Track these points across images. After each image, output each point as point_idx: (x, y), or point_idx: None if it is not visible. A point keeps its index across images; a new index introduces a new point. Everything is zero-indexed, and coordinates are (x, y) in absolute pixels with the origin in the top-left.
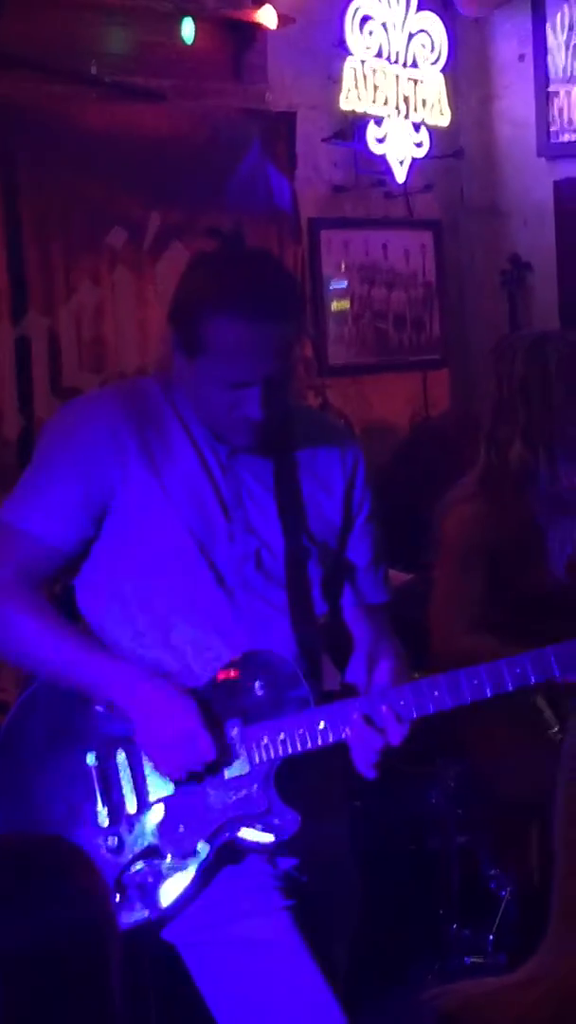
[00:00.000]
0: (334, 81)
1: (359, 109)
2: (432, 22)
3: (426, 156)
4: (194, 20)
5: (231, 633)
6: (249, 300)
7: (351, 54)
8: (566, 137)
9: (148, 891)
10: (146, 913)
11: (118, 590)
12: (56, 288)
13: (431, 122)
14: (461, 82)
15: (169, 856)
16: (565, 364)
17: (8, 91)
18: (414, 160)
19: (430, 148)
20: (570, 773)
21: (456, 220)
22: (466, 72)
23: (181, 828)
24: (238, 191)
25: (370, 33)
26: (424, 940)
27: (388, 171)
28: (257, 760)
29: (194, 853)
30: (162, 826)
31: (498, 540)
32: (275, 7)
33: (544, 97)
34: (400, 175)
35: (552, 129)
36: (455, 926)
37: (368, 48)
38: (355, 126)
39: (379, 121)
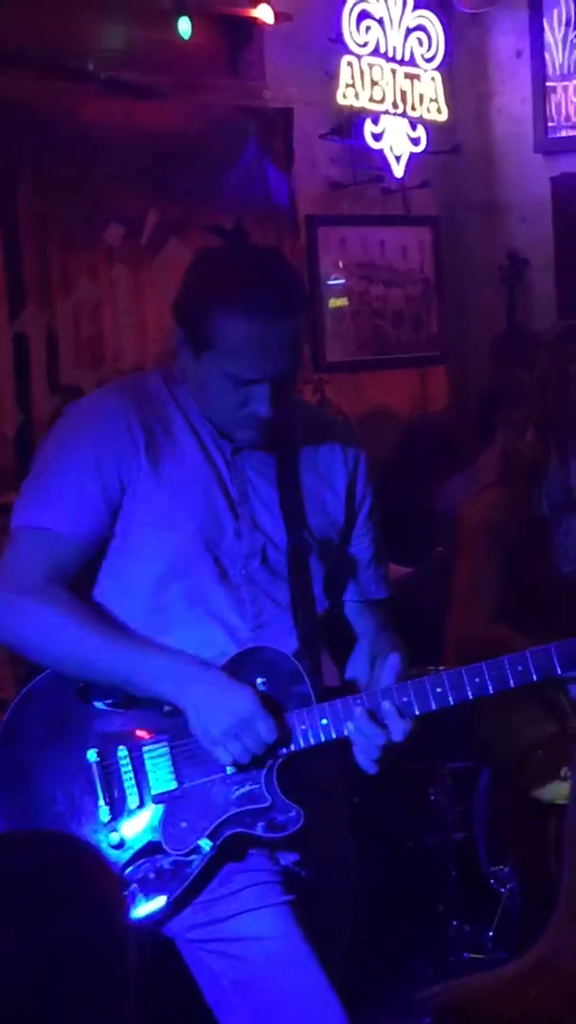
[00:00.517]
0: (331, 77)
1: (356, 105)
2: (429, 18)
3: (423, 152)
4: (191, 17)
5: (235, 629)
6: (260, 297)
7: (348, 50)
8: (563, 133)
9: (150, 887)
10: (148, 910)
11: (123, 586)
12: (54, 285)
13: (428, 118)
14: (458, 78)
15: (171, 852)
16: None
17: (5, 87)
18: (411, 156)
19: (427, 144)
20: None
21: (454, 216)
22: (463, 68)
23: (183, 824)
24: (235, 187)
25: (367, 29)
26: (424, 936)
27: (385, 167)
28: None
29: (196, 849)
30: (164, 822)
31: (514, 529)
32: (272, 3)
33: (541, 93)
34: (397, 171)
35: (549, 125)
36: (455, 922)
37: (365, 44)
38: (352, 122)
39: (376, 117)
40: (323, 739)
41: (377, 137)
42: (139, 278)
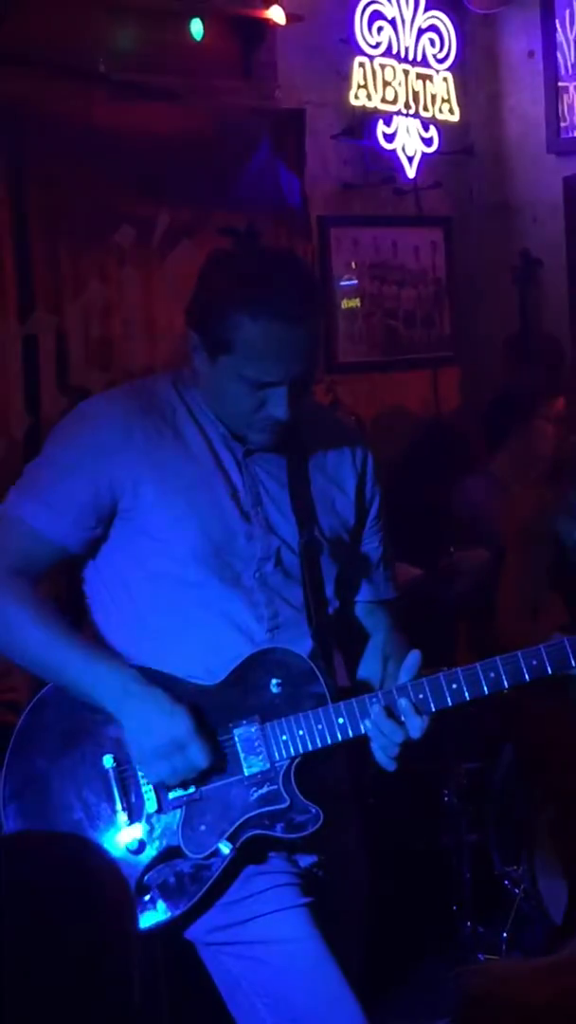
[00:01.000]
0: (343, 78)
1: (368, 106)
2: (441, 19)
3: (435, 153)
4: (203, 18)
5: (251, 632)
6: (277, 301)
7: (360, 51)
8: None
9: (170, 891)
10: (169, 914)
11: (132, 590)
12: (64, 286)
13: (440, 119)
14: (470, 79)
15: (191, 856)
16: None
17: (17, 89)
18: (423, 157)
19: (439, 145)
20: None
21: (466, 217)
22: (475, 69)
23: (202, 827)
24: (247, 188)
25: (379, 30)
26: (438, 937)
27: (398, 168)
28: (277, 757)
29: (216, 852)
30: (183, 826)
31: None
32: (284, 5)
33: (554, 93)
34: (410, 172)
35: (562, 125)
36: (469, 923)
37: (377, 45)
38: (364, 123)
39: (388, 118)
40: (339, 738)
41: (389, 138)
42: (150, 280)
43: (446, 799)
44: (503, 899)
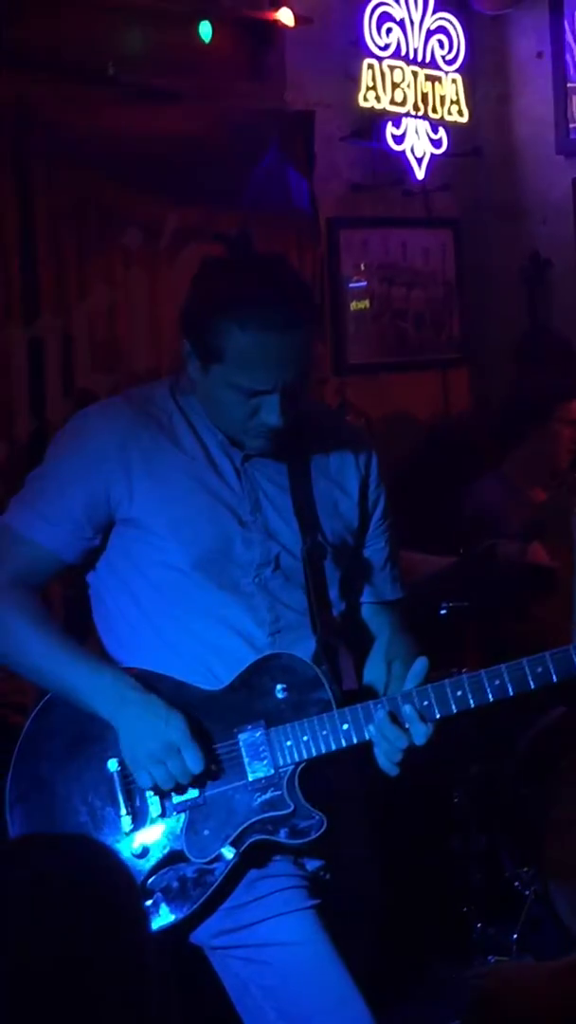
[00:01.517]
0: (352, 80)
1: (377, 108)
2: (450, 20)
3: (444, 154)
4: (212, 20)
5: (252, 636)
6: (266, 309)
7: (369, 53)
8: None
9: (173, 895)
10: (173, 918)
11: (136, 597)
12: (70, 289)
13: (449, 120)
14: (479, 80)
15: (194, 860)
16: None
17: (25, 92)
18: (432, 158)
19: (448, 146)
20: None
21: (475, 218)
22: (484, 70)
23: (206, 832)
24: (256, 191)
25: (388, 32)
26: (449, 939)
27: (407, 169)
28: (281, 763)
29: (219, 857)
30: (186, 830)
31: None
32: (292, 7)
33: (563, 95)
34: (419, 173)
35: (571, 126)
36: (479, 925)
37: (386, 47)
38: (373, 125)
39: (397, 120)
40: (344, 744)
41: (398, 139)
42: (157, 282)
43: (456, 801)
44: (514, 901)
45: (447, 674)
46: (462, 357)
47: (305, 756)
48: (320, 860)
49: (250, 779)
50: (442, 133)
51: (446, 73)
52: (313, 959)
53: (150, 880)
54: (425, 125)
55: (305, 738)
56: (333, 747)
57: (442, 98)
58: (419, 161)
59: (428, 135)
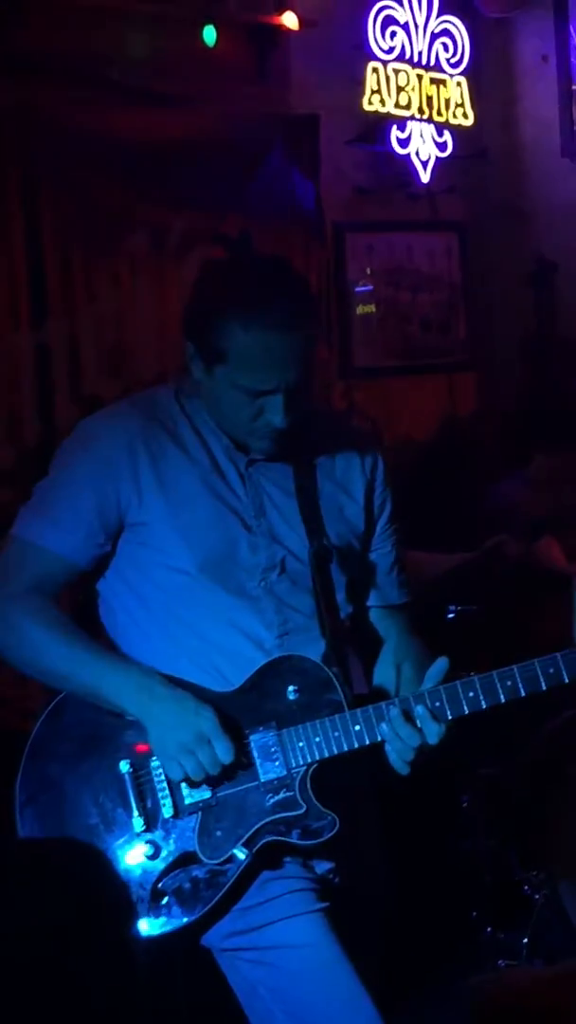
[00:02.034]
0: (357, 83)
1: (382, 111)
2: (454, 23)
3: (450, 157)
4: (216, 24)
5: (260, 639)
6: (268, 310)
7: (374, 56)
8: None
9: (185, 897)
10: (184, 920)
11: (142, 603)
12: (77, 294)
13: (454, 123)
14: (484, 83)
15: (206, 861)
16: None
17: (31, 97)
18: (438, 161)
19: (454, 149)
20: None
21: (481, 221)
22: (489, 73)
23: (218, 833)
24: (262, 195)
25: (392, 35)
26: (459, 943)
27: (412, 173)
28: (293, 764)
29: (232, 858)
30: (199, 831)
31: None
32: (297, 11)
33: (567, 97)
34: (424, 177)
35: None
36: (489, 929)
37: (391, 50)
38: (378, 128)
39: (402, 123)
40: (356, 745)
41: (403, 143)
42: (163, 287)
43: (465, 804)
44: (523, 905)
45: (457, 677)
46: (468, 360)
47: (317, 757)
48: (330, 862)
49: (262, 780)
50: (447, 136)
51: (451, 76)
52: (322, 962)
53: (162, 882)
54: (430, 128)
55: (317, 739)
56: (345, 748)
57: (447, 101)
58: (424, 164)
59: (433, 138)
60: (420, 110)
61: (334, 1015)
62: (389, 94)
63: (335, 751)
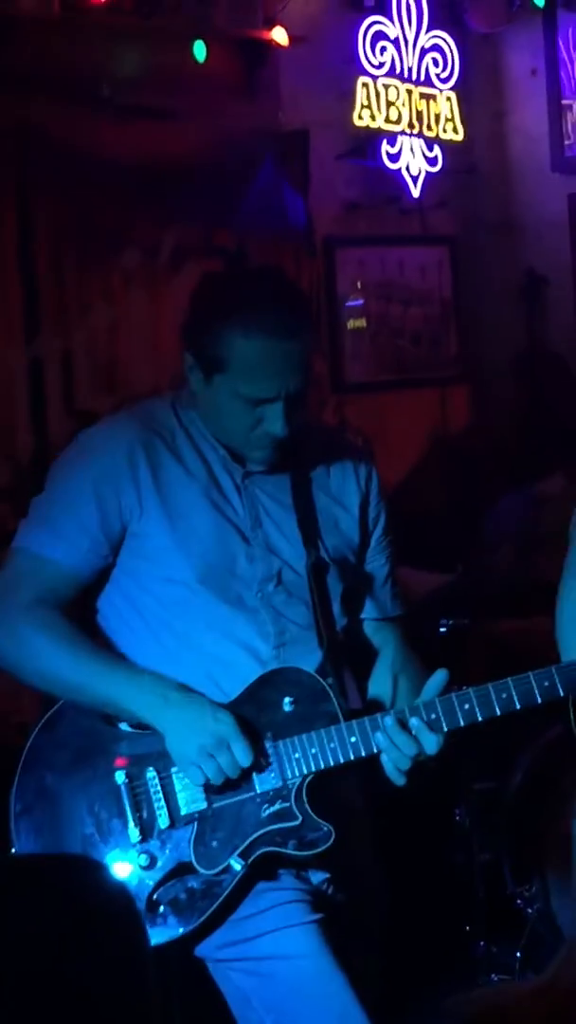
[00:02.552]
0: (347, 98)
1: (372, 126)
2: (444, 38)
3: (440, 172)
4: (206, 40)
5: (257, 650)
6: (267, 317)
7: (364, 71)
8: None
9: (181, 907)
10: (180, 930)
11: (139, 614)
12: (70, 309)
13: (445, 138)
14: (474, 98)
15: (202, 872)
16: None
17: (22, 113)
18: (428, 176)
19: (444, 164)
20: None
21: (471, 235)
22: (479, 88)
23: (214, 844)
24: (252, 210)
25: (382, 50)
26: (452, 957)
27: (402, 187)
28: (289, 775)
29: (227, 868)
30: (195, 842)
31: None
32: (287, 26)
33: (557, 111)
34: (414, 191)
35: (565, 143)
36: (482, 943)
37: (381, 65)
38: (368, 143)
39: (392, 138)
40: (352, 757)
41: (393, 158)
42: (156, 301)
43: (458, 818)
44: (517, 919)
45: (450, 691)
46: (460, 374)
47: (313, 768)
48: (324, 873)
49: (258, 791)
50: (437, 151)
51: (441, 91)
52: (315, 973)
53: (157, 892)
54: (420, 143)
55: (313, 750)
56: (341, 759)
57: (437, 116)
58: (414, 179)
59: (423, 153)
60: (410, 125)
61: None
62: (379, 109)
63: (331, 762)
